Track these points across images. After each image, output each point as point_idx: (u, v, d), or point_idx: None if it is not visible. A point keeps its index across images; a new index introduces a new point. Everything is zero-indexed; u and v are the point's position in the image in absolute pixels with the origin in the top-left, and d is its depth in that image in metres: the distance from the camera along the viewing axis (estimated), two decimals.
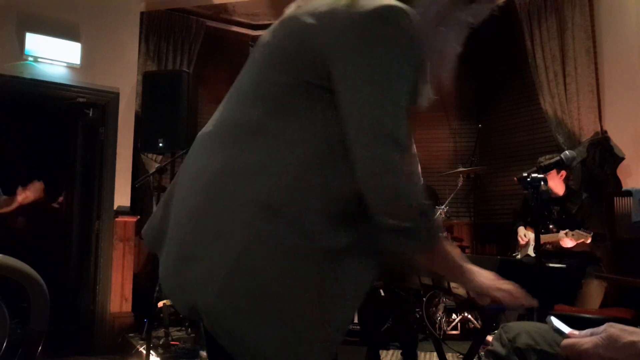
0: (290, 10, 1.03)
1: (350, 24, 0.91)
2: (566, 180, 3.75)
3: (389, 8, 0.92)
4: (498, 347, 1.19)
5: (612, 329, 0.84)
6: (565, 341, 0.90)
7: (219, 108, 1.08)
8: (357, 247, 0.94)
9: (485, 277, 1.11)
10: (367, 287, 0.96)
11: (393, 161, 0.90)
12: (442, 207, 4.31)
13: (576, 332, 0.92)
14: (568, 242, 3.51)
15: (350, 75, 0.91)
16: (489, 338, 3.43)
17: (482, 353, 2.77)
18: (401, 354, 3.35)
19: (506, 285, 1.12)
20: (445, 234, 1.06)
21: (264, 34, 1.06)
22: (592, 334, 0.86)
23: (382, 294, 3.63)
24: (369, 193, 0.92)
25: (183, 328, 4.09)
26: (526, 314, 2.44)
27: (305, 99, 0.94)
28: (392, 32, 0.91)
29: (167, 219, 1.07)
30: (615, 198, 3.62)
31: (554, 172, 3.51)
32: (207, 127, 1.06)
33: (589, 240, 3.43)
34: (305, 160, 0.92)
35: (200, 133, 1.08)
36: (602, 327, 0.85)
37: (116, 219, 4.38)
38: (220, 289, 0.89)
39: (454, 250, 1.06)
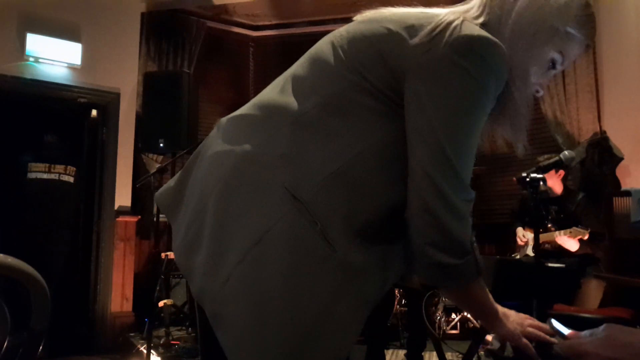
0: (371, 14, 1.00)
1: (440, 47, 0.87)
2: (564, 180, 3.76)
3: (485, 41, 0.88)
4: (498, 346, 1.20)
5: (611, 329, 0.84)
6: (565, 342, 0.92)
7: (262, 94, 1.04)
8: (371, 267, 0.90)
9: (514, 321, 1.04)
10: (369, 309, 0.92)
11: (454, 201, 0.87)
12: None
13: (576, 333, 0.92)
14: (569, 243, 3.51)
15: (429, 99, 0.87)
16: (489, 337, 3.44)
17: (482, 352, 2.78)
18: (405, 355, 3.35)
19: (533, 331, 1.02)
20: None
21: (337, 29, 1.01)
22: (591, 335, 0.86)
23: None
24: (420, 223, 0.88)
25: (184, 327, 4.10)
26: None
27: (367, 104, 0.90)
28: (481, 66, 0.87)
29: (185, 188, 1.05)
30: (614, 198, 3.64)
31: (552, 171, 3.52)
32: (243, 110, 1.03)
33: (586, 237, 3.44)
34: (345, 163, 0.88)
35: (232, 115, 1.04)
36: (601, 328, 0.85)
37: (117, 219, 4.40)
38: (229, 273, 0.86)
39: (488, 293, 1.00)
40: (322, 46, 1.00)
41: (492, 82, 0.89)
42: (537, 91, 1.02)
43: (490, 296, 1.00)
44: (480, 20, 0.96)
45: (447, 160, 0.86)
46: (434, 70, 0.87)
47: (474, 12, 0.97)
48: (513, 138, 1.03)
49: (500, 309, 1.03)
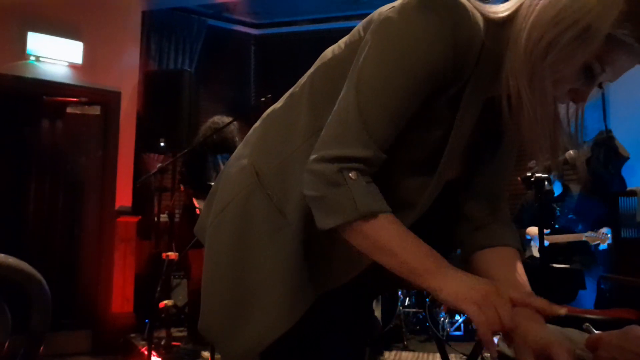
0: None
1: (381, 17, 0.85)
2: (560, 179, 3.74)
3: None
4: (505, 348, 1.18)
5: (634, 326, 0.86)
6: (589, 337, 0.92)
7: None
8: (326, 245, 0.90)
9: (462, 283, 0.77)
10: (320, 290, 0.91)
11: (323, 139, 0.82)
12: None
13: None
14: None
15: (366, 50, 0.83)
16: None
17: (486, 354, 2.75)
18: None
19: (488, 300, 0.76)
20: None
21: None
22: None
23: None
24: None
25: (184, 328, 4.08)
26: None
27: (321, 89, 0.95)
28: (415, 18, 0.79)
29: None
30: (619, 198, 3.61)
31: None
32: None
33: (606, 243, 3.41)
34: (300, 146, 0.92)
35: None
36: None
37: (117, 219, 4.38)
38: (207, 233, 1.01)
39: (418, 243, 0.80)
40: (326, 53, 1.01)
41: (426, 33, 0.79)
42: (574, 99, 0.87)
43: (422, 248, 0.80)
44: (505, 13, 0.84)
45: (349, 106, 0.81)
46: (378, 24, 0.84)
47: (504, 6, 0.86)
48: (532, 151, 0.89)
49: (455, 271, 0.79)
